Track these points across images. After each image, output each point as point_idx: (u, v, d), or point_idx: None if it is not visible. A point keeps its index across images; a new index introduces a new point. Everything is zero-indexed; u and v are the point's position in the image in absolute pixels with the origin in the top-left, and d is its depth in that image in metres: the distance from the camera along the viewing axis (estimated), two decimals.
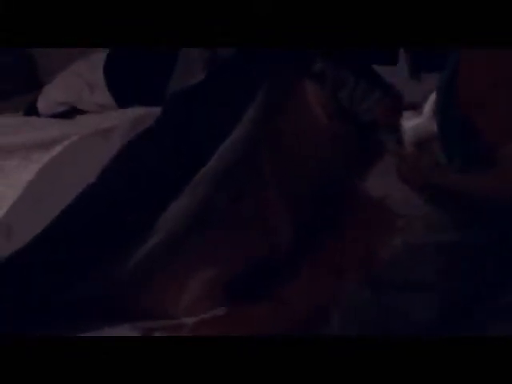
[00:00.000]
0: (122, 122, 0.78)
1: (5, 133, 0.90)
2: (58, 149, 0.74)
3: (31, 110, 1.10)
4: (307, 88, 0.82)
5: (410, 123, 0.88)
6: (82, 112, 1.04)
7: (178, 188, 0.73)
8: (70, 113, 1.05)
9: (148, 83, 1.00)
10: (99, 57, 1.10)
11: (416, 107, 0.88)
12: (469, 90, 0.76)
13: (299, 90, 0.82)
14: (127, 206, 0.72)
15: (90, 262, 0.72)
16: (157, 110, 0.80)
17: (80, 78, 1.09)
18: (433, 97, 0.87)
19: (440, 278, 0.77)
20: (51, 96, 1.10)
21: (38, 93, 1.12)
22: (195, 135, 0.76)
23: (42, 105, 1.10)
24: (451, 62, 0.77)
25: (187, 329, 0.75)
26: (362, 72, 0.87)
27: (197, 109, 0.77)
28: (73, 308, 0.72)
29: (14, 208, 0.74)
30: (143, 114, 0.79)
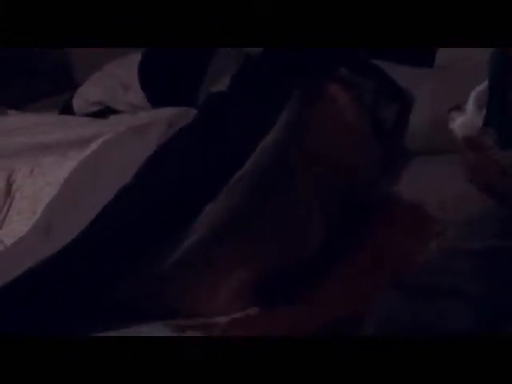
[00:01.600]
0: (157, 121, 0.78)
1: (42, 131, 0.91)
2: (92, 146, 0.75)
3: (67, 109, 1.12)
4: (335, 91, 0.82)
5: (456, 123, 0.88)
6: (115, 112, 1.05)
7: (214, 190, 0.73)
8: (104, 112, 1.06)
9: (181, 84, 1.01)
10: (133, 57, 1.11)
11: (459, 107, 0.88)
12: None
13: (327, 93, 0.82)
14: (163, 206, 0.73)
15: (127, 262, 0.72)
16: (191, 110, 0.81)
17: (114, 78, 1.11)
18: (474, 94, 0.87)
19: (475, 286, 0.76)
20: (86, 95, 1.12)
21: (73, 92, 1.14)
22: (230, 137, 0.76)
23: (77, 104, 1.12)
24: (498, 59, 0.76)
25: (219, 328, 0.75)
26: (382, 79, 0.86)
27: (232, 111, 0.77)
28: (109, 307, 0.72)
29: (51, 206, 0.75)
30: (178, 114, 0.80)
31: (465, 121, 0.88)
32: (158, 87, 1.06)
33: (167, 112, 0.82)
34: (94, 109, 1.09)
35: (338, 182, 0.84)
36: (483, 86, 0.87)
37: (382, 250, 0.85)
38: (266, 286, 0.79)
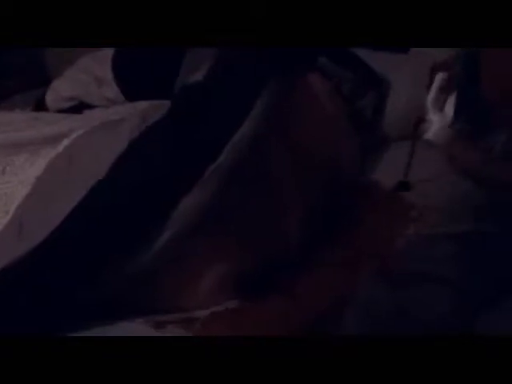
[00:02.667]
0: (130, 115, 0.77)
1: (14, 129, 0.89)
2: (64, 143, 0.74)
3: (40, 106, 1.10)
4: (313, 81, 0.81)
5: (429, 134, 0.89)
6: (90, 106, 1.04)
7: (189, 183, 0.73)
8: (78, 107, 1.04)
9: (156, 77, 1.00)
10: (107, 51, 1.09)
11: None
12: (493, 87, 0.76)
13: (305, 83, 0.81)
14: (137, 202, 0.72)
15: (103, 259, 0.71)
16: (165, 104, 0.80)
17: (88, 72, 1.09)
18: (431, 99, 0.87)
19: (453, 270, 0.76)
20: (59, 91, 1.10)
21: (46, 88, 1.12)
22: (205, 130, 0.75)
23: (50, 100, 1.10)
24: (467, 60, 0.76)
25: (199, 322, 0.74)
26: (359, 66, 0.86)
27: (206, 103, 0.76)
28: (86, 304, 0.72)
29: (23, 205, 0.73)
30: (151, 107, 0.79)
31: (436, 128, 0.89)
32: (133, 81, 1.04)
33: (141, 105, 0.81)
34: (68, 104, 1.07)
35: (317, 172, 0.84)
36: (434, 90, 0.88)
37: (362, 238, 0.85)
38: (246, 279, 0.79)
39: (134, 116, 0.77)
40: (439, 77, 0.89)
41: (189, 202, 0.73)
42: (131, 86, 1.04)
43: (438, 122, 0.87)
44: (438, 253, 0.78)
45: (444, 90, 0.88)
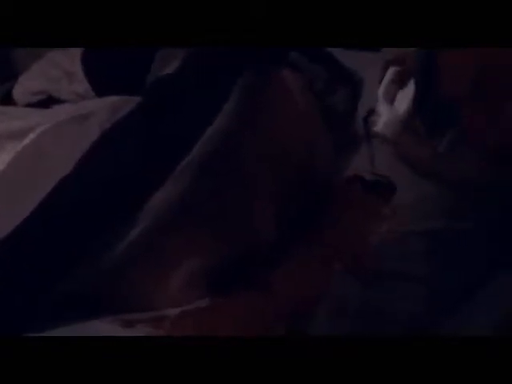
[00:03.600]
0: (99, 109, 0.75)
1: None
2: (30, 137, 0.72)
3: (7, 100, 1.07)
4: (286, 76, 0.81)
5: (379, 126, 0.89)
6: (59, 101, 1.01)
7: (159, 178, 0.72)
8: (47, 102, 1.02)
9: (127, 72, 0.98)
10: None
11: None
12: (451, 85, 0.76)
13: (278, 79, 0.80)
14: (106, 197, 0.70)
15: (70, 256, 0.70)
16: (136, 99, 0.78)
17: (57, 66, 1.06)
18: (381, 93, 0.88)
19: (425, 267, 0.77)
20: (27, 85, 1.07)
21: (13, 82, 1.09)
22: (176, 124, 0.74)
23: (17, 94, 1.07)
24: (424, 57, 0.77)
25: (169, 320, 0.73)
26: (331, 63, 0.86)
27: (178, 97, 0.75)
28: (53, 303, 0.70)
29: None
30: (121, 102, 0.77)
31: (384, 121, 0.89)
32: (103, 75, 1.02)
33: (110, 100, 0.79)
34: (36, 99, 1.04)
35: (291, 168, 0.83)
36: (385, 83, 0.89)
37: (335, 236, 0.85)
38: (218, 276, 0.77)
39: (103, 110, 0.76)
40: (391, 70, 0.91)
41: (160, 197, 0.71)
42: (102, 81, 1.02)
43: (386, 114, 0.88)
44: (410, 250, 0.78)
45: (395, 84, 0.89)
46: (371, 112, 0.91)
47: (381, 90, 0.91)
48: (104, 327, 0.72)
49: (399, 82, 0.91)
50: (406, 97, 0.92)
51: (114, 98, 0.80)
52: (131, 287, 0.74)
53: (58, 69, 1.07)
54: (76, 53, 1.08)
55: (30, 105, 1.05)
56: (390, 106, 0.90)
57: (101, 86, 1.03)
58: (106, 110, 0.76)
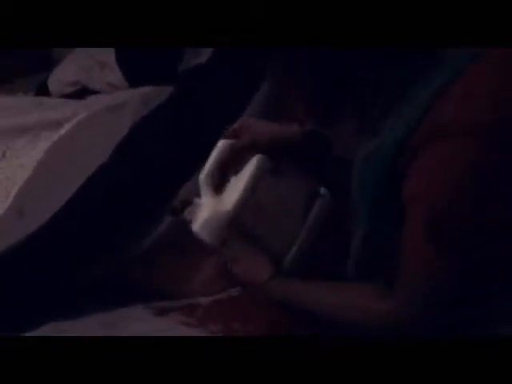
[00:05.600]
0: (132, 99, 0.76)
1: (16, 113, 0.88)
2: (66, 127, 0.73)
3: (42, 91, 1.09)
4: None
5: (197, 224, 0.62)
6: (92, 92, 1.03)
7: (191, 168, 0.72)
8: (81, 92, 1.03)
9: (160, 62, 0.99)
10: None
11: None
12: None
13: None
14: (140, 186, 0.71)
15: (104, 244, 0.71)
16: (168, 89, 0.79)
17: (91, 57, 1.08)
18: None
19: None
20: (62, 76, 1.09)
21: (48, 73, 1.11)
22: (207, 114, 0.74)
23: (52, 84, 1.08)
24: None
25: (202, 309, 0.74)
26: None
27: (209, 87, 0.75)
28: (88, 290, 0.71)
29: (24, 188, 0.73)
30: (154, 91, 0.78)
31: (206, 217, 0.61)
32: (136, 66, 1.03)
33: (143, 90, 0.80)
34: (70, 89, 1.06)
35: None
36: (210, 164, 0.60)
37: None
38: None
39: (136, 100, 0.76)
40: (221, 146, 0.61)
41: (191, 187, 0.71)
42: (135, 70, 1.03)
43: (207, 208, 0.61)
44: None
45: (225, 166, 0.60)
46: (186, 203, 0.63)
47: (204, 173, 0.62)
48: (137, 314, 0.72)
49: (231, 164, 0.62)
50: (238, 184, 0.62)
51: (146, 89, 0.80)
52: (163, 276, 0.75)
53: (90, 59, 1.09)
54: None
55: (65, 95, 1.06)
56: (214, 196, 0.62)
57: (133, 75, 1.04)
58: (138, 100, 0.76)
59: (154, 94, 0.77)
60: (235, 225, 0.60)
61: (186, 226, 0.69)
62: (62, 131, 0.73)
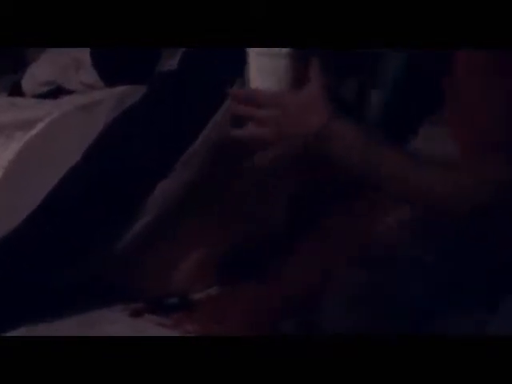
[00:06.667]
0: (106, 99, 0.75)
1: None
2: (39, 127, 0.72)
3: (16, 91, 1.07)
4: None
5: None
6: (67, 91, 1.01)
7: (166, 167, 0.72)
8: (56, 92, 1.02)
9: (136, 62, 0.98)
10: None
11: None
12: None
13: None
14: (114, 186, 0.70)
15: (79, 245, 0.70)
16: (142, 88, 0.78)
17: (66, 56, 1.06)
18: None
19: (434, 255, 0.76)
20: (36, 75, 1.07)
21: (23, 73, 1.10)
22: (182, 113, 0.74)
23: (27, 84, 1.07)
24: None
25: (179, 310, 0.73)
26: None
27: (182, 87, 0.75)
28: (63, 292, 0.70)
29: None
30: (128, 91, 0.77)
31: None
32: (111, 65, 1.02)
33: (117, 90, 0.79)
34: (45, 89, 1.05)
35: (300, 156, 0.83)
36: None
37: (342, 226, 0.85)
38: (227, 265, 0.77)
39: (110, 99, 0.76)
40: None
41: (167, 186, 0.71)
42: (110, 70, 1.02)
43: None
44: (418, 238, 0.77)
45: None
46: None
47: None
48: (113, 316, 0.72)
49: None
50: None
51: (120, 88, 0.79)
52: (140, 276, 0.74)
53: (65, 58, 1.07)
54: None
55: (39, 95, 1.05)
56: None
57: (109, 74, 1.03)
58: (112, 99, 0.76)
59: (128, 94, 0.76)
60: None
61: (162, 225, 0.70)
62: (34, 131, 0.72)
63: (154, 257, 0.74)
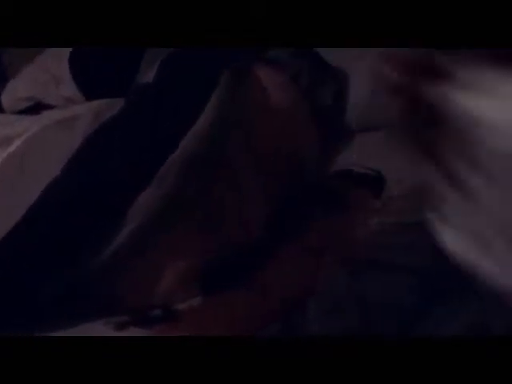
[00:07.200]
0: (84, 113, 0.76)
1: None
2: (16, 143, 0.72)
3: None
4: (262, 74, 0.81)
5: None
6: (48, 107, 1.02)
7: (144, 179, 0.72)
8: (36, 108, 1.02)
9: (116, 75, 0.98)
10: (65, 49, 1.07)
11: None
12: None
13: (261, 75, 0.80)
14: (93, 200, 0.71)
15: (59, 259, 0.70)
16: (120, 101, 0.79)
17: (46, 71, 1.07)
18: None
19: (417, 258, 0.77)
20: (16, 91, 1.08)
21: (2, 89, 1.10)
22: (160, 124, 0.74)
23: (6, 101, 1.07)
24: None
25: (162, 321, 0.73)
26: (314, 59, 0.85)
27: (159, 98, 0.76)
28: (43, 307, 0.70)
29: None
30: (106, 105, 0.77)
31: None
32: (92, 79, 1.03)
33: (95, 103, 0.80)
34: (25, 105, 1.05)
35: (277, 164, 0.83)
36: None
37: (324, 229, 0.85)
38: (210, 275, 0.78)
39: (87, 114, 0.76)
40: None
41: (146, 198, 0.72)
42: (91, 84, 1.03)
43: None
44: (399, 242, 0.78)
45: None
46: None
47: None
48: (97, 329, 0.72)
49: None
50: None
51: (98, 102, 0.80)
52: (122, 289, 0.74)
53: (45, 73, 1.08)
54: (64, 56, 1.09)
55: (19, 111, 1.05)
56: None
57: (89, 88, 1.03)
58: (90, 113, 0.76)
59: (106, 107, 0.77)
60: None
61: (145, 234, 0.71)
62: (12, 148, 0.73)
63: (136, 269, 0.75)
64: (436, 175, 0.64)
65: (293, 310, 0.77)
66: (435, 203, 0.65)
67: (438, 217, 0.62)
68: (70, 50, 1.07)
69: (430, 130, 0.61)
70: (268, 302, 0.79)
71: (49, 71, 1.06)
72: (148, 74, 0.80)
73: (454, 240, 0.61)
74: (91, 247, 0.71)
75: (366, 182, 0.90)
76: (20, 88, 1.07)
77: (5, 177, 0.71)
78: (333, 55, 0.90)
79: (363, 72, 1.03)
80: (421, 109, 0.62)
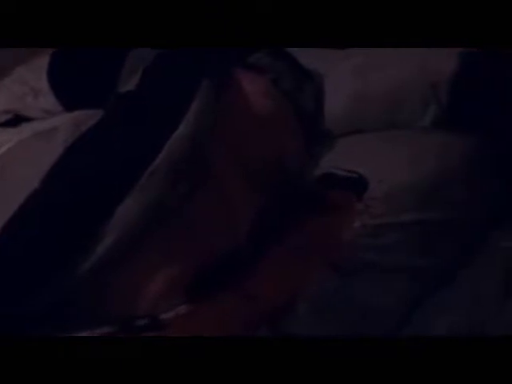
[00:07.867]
0: (63, 124, 0.75)
1: None
2: None
3: None
4: (247, 77, 0.81)
5: None
6: (27, 119, 1.01)
7: (125, 188, 0.71)
8: (15, 120, 1.01)
9: (95, 85, 0.97)
10: (43, 61, 1.06)
11: None
12: None
13: (242, 79, 0.80)
14: (73, 211, 0.70)
15: (39, 273, 0.69)
16: (99, 111, 0.78)
17: (23, 83, 1.06)
18: None
19: (402, 258, 0.77)
20: None
21: None
22: (139, 133, 0.74)
23: None
24: None
25: (147, 331, 0.73)
26: (291, 62, 0.85)
27: (138, 106, 0.75)
28: (25, 321, 0.69)
29: None
30: (85, 116, 0.77)
31: None
32: (71, 89, 1.02)
33: (74, 114, 0.79)
34: (4, 118, 1.04)
35: (261, 169, 0.83)
36: None
37: (311, 233, 0.85)
38: (196, 282, 0.77)
39: (66, 125, 0.75)
40: None
41: (127, 207, 0.71)
42: (70, 95, 1.02)
43: None
44: (383, 243, 0.78)
45: None
46: None
47: None
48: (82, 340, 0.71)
49: None
50: None
51: (77, 113, 0.79)
52: (108, 299, 0.74)
53: (23, 85, 1.07)
54: (42, 67, 1.08)
55: None
56: None
57: (69, 99, 1.02)
58: (69, 124, 0.75)
59: (84, 118, 0.76)
60: None
61: (124, 247, 0.70)
62: None
63: (120, 280, 0.74)
64: None
65: (282, 312, 0.77)
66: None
67: None
68: (48, 61, 1.06)
69: None
70: (256, 306, 0.78)
71: (27, 83, 1.06)
72: (130, 82, 0.79)
73: None
74: (72, 259, 0.70)
75: (349, 185, 0.90)
76: None
77: None
78: (314, 57, 0.90)
79: (346, 73, 1.04)
80: None
